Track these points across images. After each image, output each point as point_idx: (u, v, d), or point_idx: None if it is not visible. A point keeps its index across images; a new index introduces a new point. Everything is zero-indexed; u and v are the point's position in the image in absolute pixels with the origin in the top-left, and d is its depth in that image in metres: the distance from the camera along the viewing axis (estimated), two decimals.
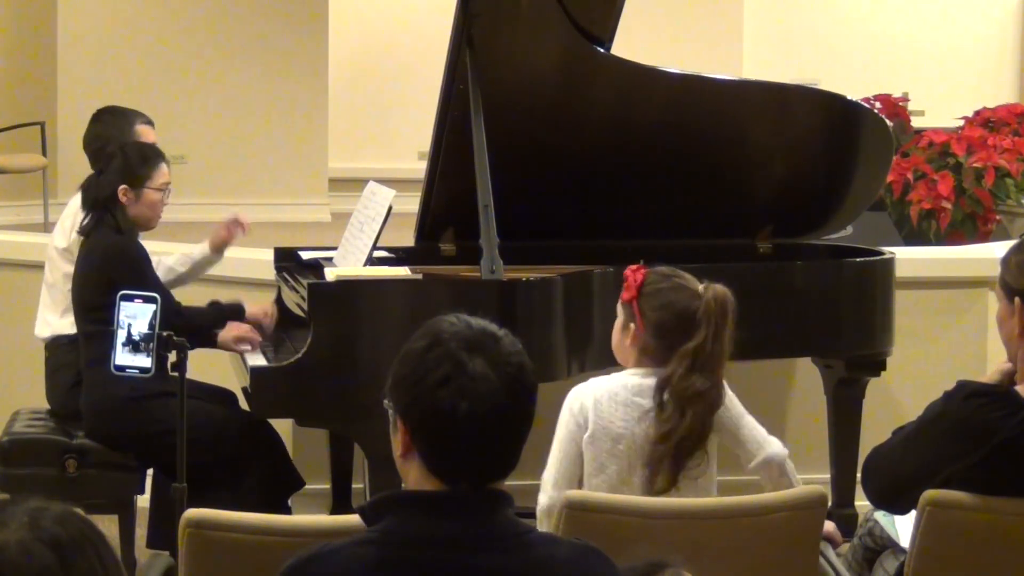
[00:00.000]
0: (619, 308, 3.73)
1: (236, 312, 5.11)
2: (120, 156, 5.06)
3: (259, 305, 5.21)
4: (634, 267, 3.72)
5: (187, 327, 4.52)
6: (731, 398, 3.71)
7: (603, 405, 3.61)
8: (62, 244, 5.35)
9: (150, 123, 5.55)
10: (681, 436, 3.57)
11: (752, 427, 3.75)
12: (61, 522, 1.84)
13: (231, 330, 5.03)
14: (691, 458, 3.60)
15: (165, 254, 5.46)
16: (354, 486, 5.56)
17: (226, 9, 9.91)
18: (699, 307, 3.60)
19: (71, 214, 5.33)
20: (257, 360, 4.87)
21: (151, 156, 5.09)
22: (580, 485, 3.62)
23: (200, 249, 5.45)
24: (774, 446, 3.76)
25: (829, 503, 3.56)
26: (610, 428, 3.60)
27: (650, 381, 3.62)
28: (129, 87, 9.37)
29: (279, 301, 5.38)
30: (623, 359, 3.72)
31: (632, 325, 3.67)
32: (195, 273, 5.45)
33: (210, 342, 4.97)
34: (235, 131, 9.89)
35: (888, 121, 5.72)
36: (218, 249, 5.44)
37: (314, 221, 9.70)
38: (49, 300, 5.37)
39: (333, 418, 4.73)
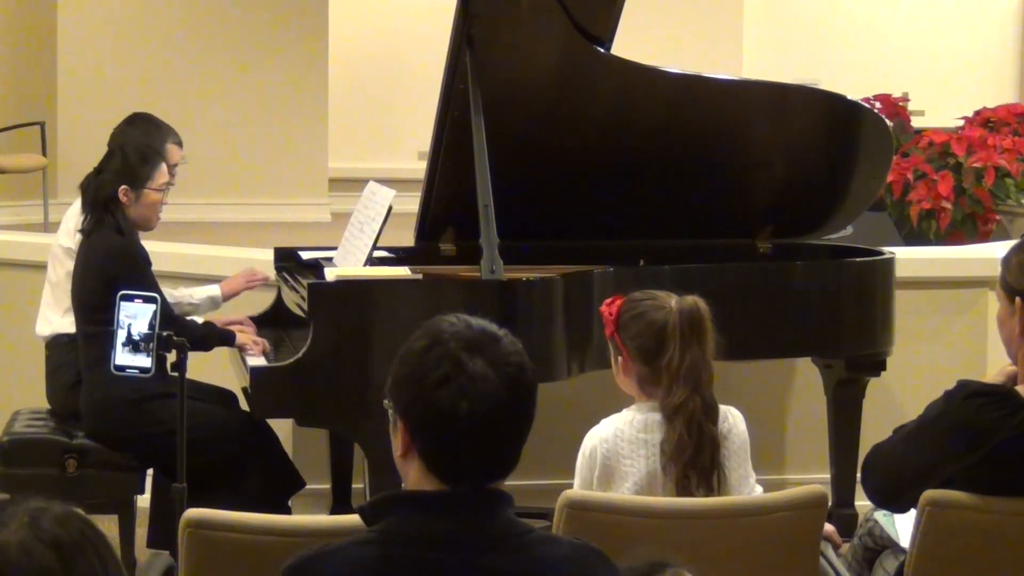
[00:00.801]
0: (609, 344, 3.72)
1: (226, 339, 5.04)
2: (120, 156, 5.04)
3: (248, 335, 5.09)
4: (608, 301, 3.69)
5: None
6: (740, 435, 3.65)
7: (609, 445, 3.58)
8: (68, 243, 5.32)
9: (180, 144, 5.44)
10: (693, 451, 3.54)
11: (749, 477, 3.69)
12: (62, 522, 1.84)
13: (243, 335, 5.02)
14: (717, 468, 3.57)
15: (168, 260, 5.44)
16: (354, 486, 5.56)
17: (226, 9, 9.90)
18: (668, 322, 3.58)
19: (75, 214, 5.31)
20: (257, 360, 4.87)
21: (151, 156, 5.07)
22: None
23: (208, 291, 5.35)
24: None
25: (829, 503, 3.55)
26: (617, 468, 3.57)
27: (655, 415, 3.58)
28: (129, 87, 9.37)
29: (279, 301, 5.39)
30: (630, 393, 3.70)
31: (620, 358, 3.66)
32: (186, 309, 5.33)
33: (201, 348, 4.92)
34: (235, 131, 9.88)
35: (888, 121, 5.72)
36: (227, 297, 5.39)
37: (314, 221, 9.69)
38: (52, 299, 5.36)
39: (333, 418, 4.72)
